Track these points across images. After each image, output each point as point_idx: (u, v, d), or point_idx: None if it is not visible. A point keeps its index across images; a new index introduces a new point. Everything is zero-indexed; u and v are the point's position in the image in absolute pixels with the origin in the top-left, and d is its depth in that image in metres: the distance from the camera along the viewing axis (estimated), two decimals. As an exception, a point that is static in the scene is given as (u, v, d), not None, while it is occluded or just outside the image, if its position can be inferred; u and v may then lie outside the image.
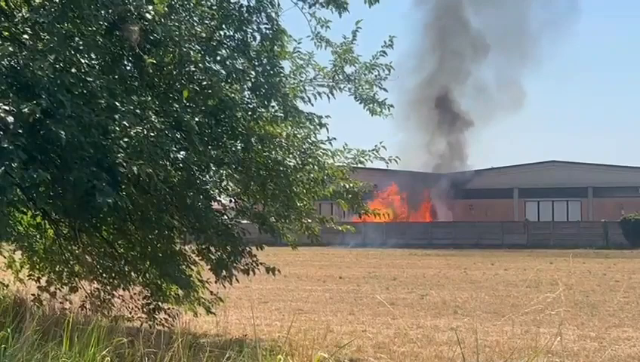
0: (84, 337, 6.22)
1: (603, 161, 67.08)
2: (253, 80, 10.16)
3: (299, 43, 11.27)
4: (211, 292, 12.14)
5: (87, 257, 12.28)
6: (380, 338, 13.59)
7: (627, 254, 43.75)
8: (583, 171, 62.93)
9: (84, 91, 8.36)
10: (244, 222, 11.35)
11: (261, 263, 11.09)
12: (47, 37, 8.30)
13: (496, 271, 31.13)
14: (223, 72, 9.83)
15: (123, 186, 8.76)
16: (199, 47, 9.54)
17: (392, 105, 11.44)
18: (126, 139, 8.13)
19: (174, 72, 9.60)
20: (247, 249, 10.85)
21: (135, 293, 12.11)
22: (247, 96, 10.35)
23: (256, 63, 10.30)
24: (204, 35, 9.78)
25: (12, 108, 7.29)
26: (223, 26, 10.18)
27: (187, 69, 9.45)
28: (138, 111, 8.48)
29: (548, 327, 14.69)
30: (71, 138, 7.76)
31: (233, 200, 11.48)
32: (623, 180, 61.10)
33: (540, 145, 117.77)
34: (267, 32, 10.19)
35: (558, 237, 53.93)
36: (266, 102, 10.21)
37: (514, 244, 53.36)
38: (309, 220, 11.76)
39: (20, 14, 9.03)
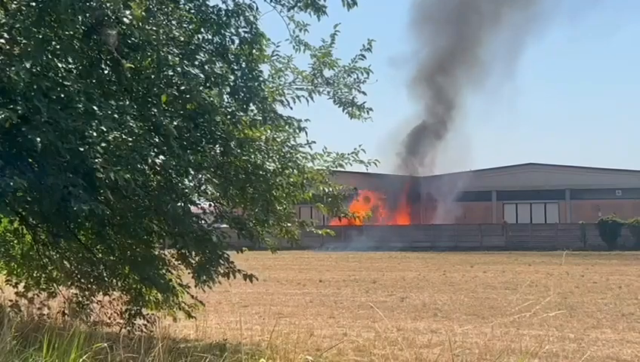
0: (64, 342, 6.18)
1: (580, 163, 67.58)
2: (232, 84, 10.12)
3: (277, 46, 11.28)
4: (192, 296, 12.10)
5: (65, 262, 12.21)
6: (360, 342, 13.58)
7: (604, 256, 44.07)
8: (561, 173, 63.32)
9: (62, 96, 8.29)
10: (224, 226, 11.31)
11: (239, 270, 11.02)
12: (24, 41, 8.23)
13: (475, 273, 31.26)
14: (202, 75, 9.79)
15: (101, 191, 8.69)
16: (177, 51, 9.50)
17: (370, 109, 11.46)
18: (103, 145, 8.07)
19: (152, 76, 9.56)
20: (225, 255, 10.78)
21: (114, 298, 12.05)
22: (226, 100, 10.31)
23: (235, 67, 10.28)
24: (182, 38, 9.74)
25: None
26: (202, 30, 10.15)
27: (165, 73, 9.40)
28: (116, 115, 8.41)
29: (527, 329, 14.76)
30: (47, 144, 7.70)
31: (212, 204, 11.44)
32: (600, 182, 61.54)
33: (517, 148, 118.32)
34: (246, 35, 10.17)
35: (537, 239, 54.20)
36: (244, 106, 10.19)
37: (492, 246, 53.55)
38: (289, 224, 11.75)
39: (-4, 19, 8.95)
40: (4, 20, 8.48)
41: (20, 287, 12.80)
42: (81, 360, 5.87)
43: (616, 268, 34.06)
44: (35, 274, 12.77)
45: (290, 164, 10.99)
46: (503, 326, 15.12)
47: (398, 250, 50.37)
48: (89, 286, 12.05)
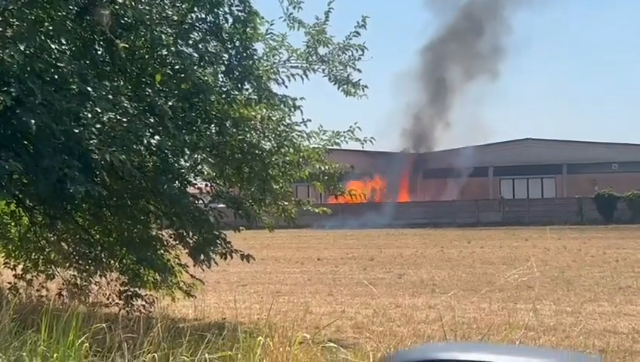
0: (62, 324, 6.20)
1: (577, 137, 67.45)
2: (226, 63, 10.12)
3: (271, 25, 11.21)
4: (191, 276, 12.13)
5: (62, 244, 12.22)
6: (358, 319, 13.66)
7: (601, 229, 44.15)
8: (557, 148, 63.21)
9: (56, 77, 8.27)
10: (221, 206, 11.31)
11: (236, 250, 11.04)
12: (17, 23, 8.19)
13: (472, 249, 31.32)
14: (196, 55, 9.79)
15: (97, 173, 8.68)
16: (171, 31, 9.47)
17: (366, 86, 11.44)
18: (98, 126, 8.05)
19: (147, 56, 9.55)
20: (223, 235, 10.79)
21: (112, 279, 12.07)
22: (221, 80, 10.30)
23: (229, 46, 10.25)
24: (175, 18, 9.72)
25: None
26: (195, 9, 10.10)
27: (159, 52, 9.40)
28: (110, 96, 8.40)
29: (524, 303, 14.84)
30: (42, 126, 7.69)
31: (209, 184, 11.44)
32: (597, 156, 61.48)
33: (514, 123, 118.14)
34: (239, 14, 10.12)
35: (534, 214, 54.22)
36: (239, 85, 10.19)
37: (490, 222, 53.57)
38: (286, 203, 11.77)
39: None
40: (-4, 2, 8.44)
41: (18, 270, 12.82)
42: (79, 341, 5.90)
43: (613, 241, 34.13)
44: (32, 256, 12.78)
45: (285, 142, 10.98)
46: (501, 300, 15.19)
47: (399, 227, 50.38)
48: (87, 267, 12.06)
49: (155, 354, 5.74)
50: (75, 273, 12.30)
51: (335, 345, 5.91)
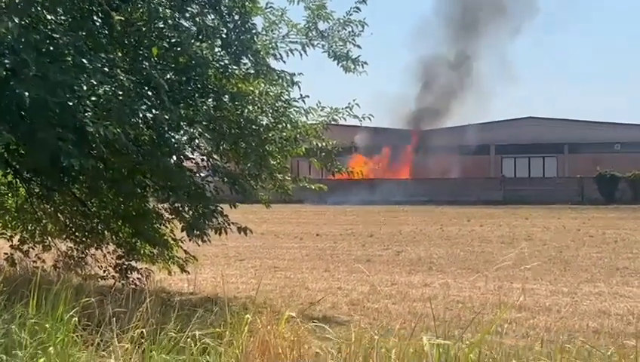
0: (52, 297, 6.19)
1: (579, 117, 67.25)
2: (224, 36, 10.03)
3: (271, -2, 11.13)
4: (185, 251, 12.13)
5: (59, 216, 12.23)
6: (354, 295, 13.65)
7: (602, 209, 44.14)
8: (560, 127, 63.07)
9: (51, 49, 8.20)
10: (217, 179, 11.29)
11: (233, 223, 11.02)
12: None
13: (472, 227, 31.30)
14: (194, 28, 9.71)
15: (93, 146, 8.64)
16: (169, 3, 9.39)
17: (365, 63, 11.36)
18: (93, 98, 8.00)
19: (144, 29, 9.46)
20: (219, 209, 10.77)
21: (108, 252, 12.08)
22: (219, 54, 10.23)
23: (228, 19, 10.16)
24: (173, -10, 9.63)
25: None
26: (193, -19, 10.02)
27: (156, 25, 9.31)
28: (106, 69, 8.34)
29: (521, 283, 14.83)
30: (37, 98, 7.63)
31: (205, 158, 11.40)
32: (599, 136, 61.37)
33: (516, 102, 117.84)
34: (239, -13, 10.04)
35: (535, 193, 54.19)
36: (237, 60, 10.11)
37: (490, 200, 53.53)
38: (287, 177, 11.77)
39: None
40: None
41: (15, 241, 12.83)
42: (68, 315, 5.89)
43: (613, 221, 34.12)
44: (29, 228, 12.80)
45: (283, 118, 10.94)
46: (497, 279, 15.18)
47: (400, 204, 50.38)
48: (83, 239, 12.08)
49: (144, 330, 5.73)
50: (72, 245, 12.32)
51: (322, 324, 5.88)
